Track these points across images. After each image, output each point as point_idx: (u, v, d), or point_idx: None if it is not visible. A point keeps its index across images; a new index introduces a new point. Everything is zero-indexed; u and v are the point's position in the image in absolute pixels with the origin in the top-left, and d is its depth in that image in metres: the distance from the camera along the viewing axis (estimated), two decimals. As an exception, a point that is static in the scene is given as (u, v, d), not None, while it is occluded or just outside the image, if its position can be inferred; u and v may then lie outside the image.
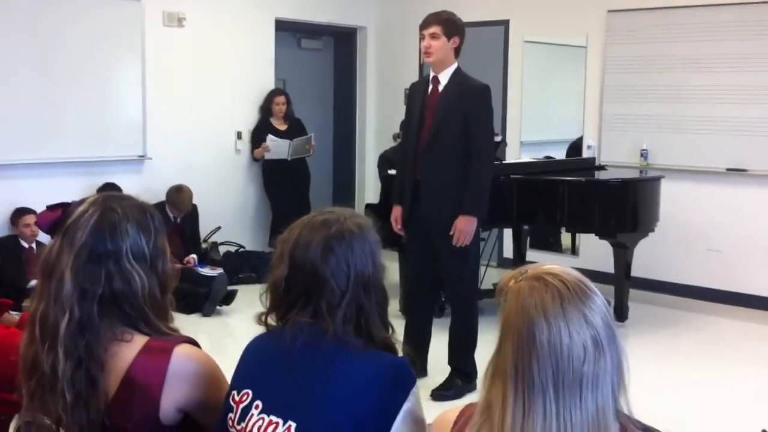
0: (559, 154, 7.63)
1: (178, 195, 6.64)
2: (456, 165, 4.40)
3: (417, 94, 4.62)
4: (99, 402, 1.66)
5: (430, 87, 4.53)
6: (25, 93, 6.09)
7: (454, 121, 4.40)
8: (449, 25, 4.43)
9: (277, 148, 7.34)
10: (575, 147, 7.51)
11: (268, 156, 7.39)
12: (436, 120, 4.45)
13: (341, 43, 8.80)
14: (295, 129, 7.55)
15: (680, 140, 6.74)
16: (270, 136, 7.34)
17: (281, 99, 7.51)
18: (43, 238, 5.32)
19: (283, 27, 7.87)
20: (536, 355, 1.33)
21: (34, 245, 5.82)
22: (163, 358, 1.69)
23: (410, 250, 4.85)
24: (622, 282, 5.94)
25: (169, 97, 6.96)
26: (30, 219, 5.79)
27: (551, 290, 1.36)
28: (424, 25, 4.48)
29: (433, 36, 4.41)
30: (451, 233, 4.37)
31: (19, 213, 5.86)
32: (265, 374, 1.74)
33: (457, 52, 4.49)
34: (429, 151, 4.47)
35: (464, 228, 4.37)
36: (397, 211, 4.68)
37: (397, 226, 4.67)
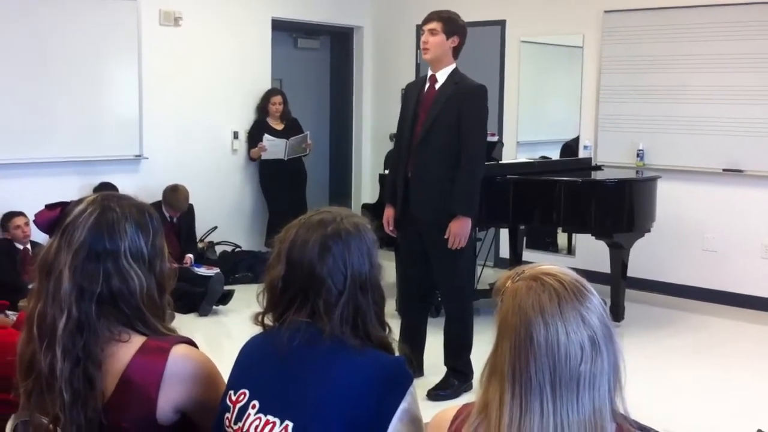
0: (556, 154, 7.64)
1: (174, 194, 6.63)
2: (447, 163, 4.38)
3: (413, 92, 4.59)
4: (96, 401, 1.66)
5: (427, 85, 4.51)
6: (20, 92, 6.08)
7: (448, 119, 4.38)
8: (449, 23, 4.40)
9: (273, 147, 7.33)
10: (568, 147, 7.52)
11: (264, 156, 7.39)
12: (429, 117, 4.42)
13: (338, 42, 8.79)
14: (291, 129, 7.54)
15: (676, 140, 6.75)
16: (266, 136, 7.33)
17: (278, 99, 7.50)
18: (39, 237, 5.32)
19: (279, 26, 7.86)
20: (533, 354, 1.33)
21: (28, 246, 5.81)
22: (161, 358, 1.69)
23: (404, 250, 4.84)
24: (618, 282, 5.95)
25: (166, 96, 6.95)
26: (20, 220, 5.77)
27: (548, 290, 1.37)
28: (424, 22, 4.46)
29: (432, 32, 4.39)
30: (446, 236, 4.35)
31: (8, 217, 5.82)
32: (262, 374, 1.74)
33: (456, 52, 4.46)
34: (421, 147, 4.44)
35: (459, 231, 4.34)
36: (388, 212, 4.65)
37: (388, 228, 4.63)
